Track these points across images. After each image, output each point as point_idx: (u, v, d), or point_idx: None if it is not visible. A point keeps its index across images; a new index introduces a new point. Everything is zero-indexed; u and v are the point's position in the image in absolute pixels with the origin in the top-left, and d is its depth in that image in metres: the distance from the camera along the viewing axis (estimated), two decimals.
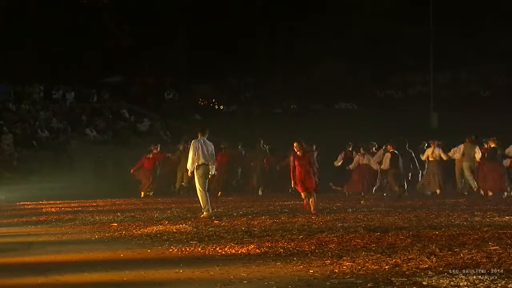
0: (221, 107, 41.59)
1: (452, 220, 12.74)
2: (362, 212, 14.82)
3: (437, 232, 10.78)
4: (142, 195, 22.99)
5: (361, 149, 21.41)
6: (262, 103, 41.27)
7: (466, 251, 8.82)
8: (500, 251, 8.74)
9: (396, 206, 16.30)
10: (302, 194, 15.05)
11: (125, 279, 7.83)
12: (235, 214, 15.08)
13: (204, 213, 14.59)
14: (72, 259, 9.42)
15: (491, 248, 9.01)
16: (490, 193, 19.25)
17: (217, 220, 13.61)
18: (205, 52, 42.94)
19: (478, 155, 19.70)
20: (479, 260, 8.17)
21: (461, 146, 20.28)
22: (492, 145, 19.70)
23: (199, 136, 14.83)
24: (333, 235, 10.79)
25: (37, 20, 40.93)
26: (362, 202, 17.90)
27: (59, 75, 38.61)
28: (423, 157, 21.39)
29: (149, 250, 10.02)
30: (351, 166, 21.47)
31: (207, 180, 14.79)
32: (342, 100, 41.78)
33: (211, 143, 14.92)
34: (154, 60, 43.58)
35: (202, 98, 42.61)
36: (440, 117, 37.77)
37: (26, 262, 9.19)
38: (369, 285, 7.09)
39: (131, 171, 23.50)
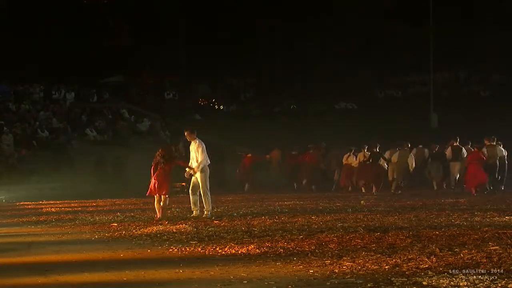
0: (221, 107, 41.59)
1: (452, 220, 12.74)
2: (362, 212, 14.81)
3: (437, 232, 10.77)
4: None
5: (352, 150, 24.48)
6: (262, 103, 41.29)
7: (466, 251, 8.81)
8: (500, 251, 8.73)
9: (396, 206, 16.30)
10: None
11: (125, 279, 7.83)
12: (235, 214, 15.07)
13: (206, 212, 14.56)
14: (72, 259, 9.42)
15: (491, 248, 9.00)
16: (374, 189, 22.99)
17: (217, 220, 13.60)
18: (205, 52, 42.95)
19: (411, 160, 22.82)
20: (479, 260, 8.16)
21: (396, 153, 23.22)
22: (375, 150, 23.66)
23: (194, 137, 14.52)
24: (333, 235, 10.78)
25: (37, 20, 40.95)
26: (362, 202, 17.90)
27: (59, 75, 38.61)
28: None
29: (149, 250, 10.02)
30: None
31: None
32: (342, 100, 41.78)
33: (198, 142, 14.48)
34: (154, 60, 43.59)
35: (202, 98, 42.62)
36: (440, 117, 37.78)
37: (26, 262, 9.19)
38: (369, 285, 7.09)
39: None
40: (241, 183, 26.39)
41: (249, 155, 26.90)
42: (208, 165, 14.46)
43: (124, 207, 18.42)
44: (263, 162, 27.34)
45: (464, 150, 22.76)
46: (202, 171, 14.33)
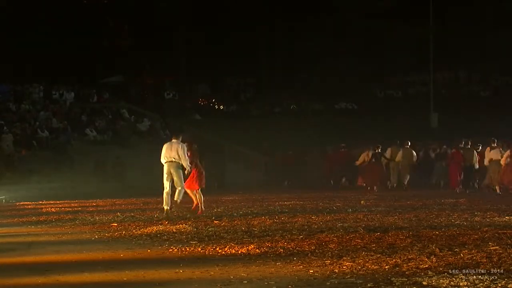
0: (221, 107, 41.58)
1: (452, 220, 12.74)
2: (362, 212, 14.81)
3: (437, 232, 10.78)
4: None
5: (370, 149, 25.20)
6: (262, 103, 41.28)
7: (466, 251, 8.82)
8: (500, 251, 8.74)
9: (396, 206, 16.30)
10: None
11: (125, 279, 7.83)
12: (235, 214, 15.07)
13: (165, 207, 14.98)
14: (72, 259, 9.42)
15: (491, 248, 9.01)
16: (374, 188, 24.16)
17: (217, 220, 13.60)
18: (205, 52, 42.93)
19: (414, 158, 23.98)
20: (479, 260, 8.17)
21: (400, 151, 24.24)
22: (377, 150, 24.42)
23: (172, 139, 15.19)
24: (333, 235, 10.79)
25: (37, 20, 40.94)
26: (362, 202, 17.90)
27: (59, 75, 38.60)
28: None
29: (149, 250, 10.02)
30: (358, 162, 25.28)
31: (169, 177, 14.96)
32: (342, 100, 41.78)
33: (183, 144, 14.99)
34: (154, 60, 43.59)
35: (202, 98, 42.60)
36: (440, 117, 37.79)
37: (26, 262, 9.19)
38: (369, 285, 7.09)
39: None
40: (282, 179, 28.29)
41: (290, 152, 28.75)
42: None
43: (124, 207, 18.41)
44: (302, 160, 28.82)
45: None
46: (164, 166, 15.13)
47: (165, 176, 14.91)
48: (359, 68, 41.76)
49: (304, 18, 42.90)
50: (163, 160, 14.94)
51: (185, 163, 14.80)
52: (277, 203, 18.11)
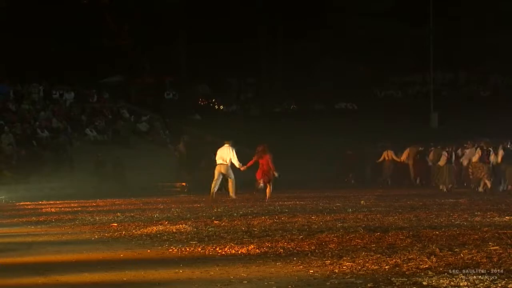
0: (221, 107, 41.58)
1: (452, 220, 12.74)
2: (362, 212, 14.80)
3: (437, 232, 10.78)
4: None
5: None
6: (262, 103, 41.28)
7: (466, 251, 8.82)
8: (500, 251, 8.74)
9: (396, 206, 16.30)
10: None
11: (125, 279, 7.83)
12: (235, 214, 15.07)
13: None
14: (72, 259, 9.42)
15: (491, 248, 9.01)
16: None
17: (217, 220, 13.60)
18: (205, 52, 42.93)
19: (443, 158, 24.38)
20: (479, 260, 8.17)
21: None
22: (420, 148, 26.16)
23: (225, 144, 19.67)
24: (333, 235, 10.79)
25: (37, 20, 40.93)
26: (362, 202, 17.89)
27: (59, 75, 38.59)
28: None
29: (149, 250, 10.03)
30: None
31: (216, 174, 19.42)
32: (342, 100, 41.79)
33: (230, 148, 19.58)
34: (154, 60, 43.59)
35: (202, 98, 42.60)
36: (440, 117, 37.81)
37: (26, 262, 9.19)
38: (369, 285, 7.09)
39: None
40: (346, 177, 29.29)
41: (349, 152, 29.58)
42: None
43: (124, 207, 18.40)
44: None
45: (479, 151, 22.98)
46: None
47: (216, 173, 19.29)
48: (359, 68, 41.79)
49: (304, 18, 42.90)
50: (217, 161, 19.38)
51: (237, 163, 19.39)
52: (277, 203, 18.10)
